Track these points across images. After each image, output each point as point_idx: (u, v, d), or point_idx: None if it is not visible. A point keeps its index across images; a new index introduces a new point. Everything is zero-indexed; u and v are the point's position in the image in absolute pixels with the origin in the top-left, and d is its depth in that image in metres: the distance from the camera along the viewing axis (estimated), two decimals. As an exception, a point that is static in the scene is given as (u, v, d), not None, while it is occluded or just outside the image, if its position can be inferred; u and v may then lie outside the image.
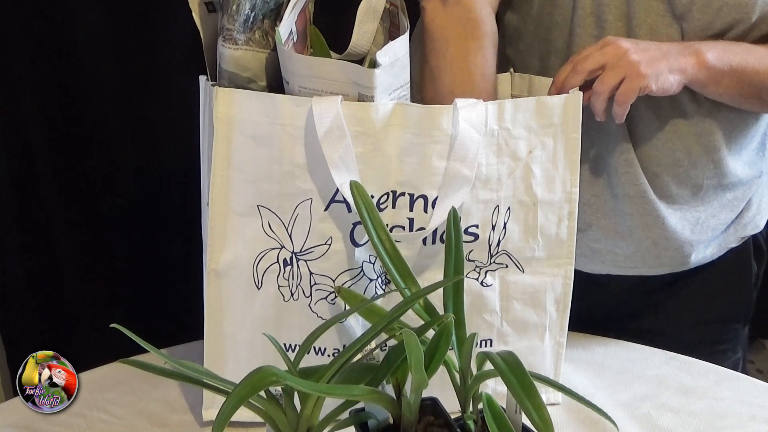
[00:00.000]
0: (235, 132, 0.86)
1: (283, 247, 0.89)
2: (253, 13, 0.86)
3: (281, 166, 0.87)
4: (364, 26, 0.94)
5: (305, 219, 0.88)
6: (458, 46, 0.93)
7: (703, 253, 1.08)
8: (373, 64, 0.85)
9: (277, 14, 0.88)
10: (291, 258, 0.89)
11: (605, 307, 1.14)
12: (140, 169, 1.44)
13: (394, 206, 0.88)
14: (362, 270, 0.89)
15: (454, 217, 0.83)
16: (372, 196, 0.86)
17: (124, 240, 1.47)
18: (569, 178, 0.93)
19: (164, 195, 1.44)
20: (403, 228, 0.88)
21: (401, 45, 0.88)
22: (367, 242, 0.88)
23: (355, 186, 0.84)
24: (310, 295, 0.90)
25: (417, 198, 0.87)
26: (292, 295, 0.90)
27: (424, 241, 0.89)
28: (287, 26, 0.87)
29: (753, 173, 1.06)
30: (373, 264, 0.89)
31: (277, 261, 0.89)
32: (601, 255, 1.07)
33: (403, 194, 0.88)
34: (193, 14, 0.88)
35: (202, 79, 0.94)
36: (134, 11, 1.32)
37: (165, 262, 1.46)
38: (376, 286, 0.90)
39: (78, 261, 1.46)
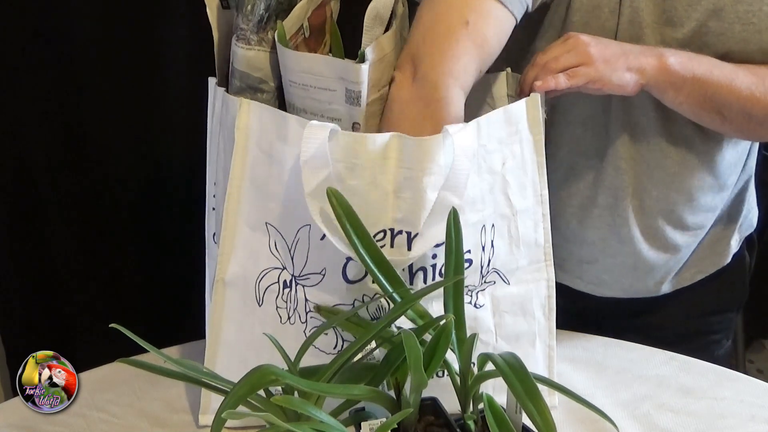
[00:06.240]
0: (252, 145, 0.85)
1: (284, 268, 0.87)
2: (267, 14, 0.86)
3: (288, 188, 0.85)
4: (372, 32, 0.94)
5: (305, 245, 0.86)
6: (414, 126, 0.86)
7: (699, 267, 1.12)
8: (362, 59, 0.85)
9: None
10: (291, 281, 0.87)
11: (604, 306, 1.14)
12: (141, 169, 1.43)
13: (392, 245, 0.85)
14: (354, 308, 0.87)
15: (454, 217, 0.82)
16: None
17: (124, 240, 1.47)
18: (538, 180, 0.92)
19: (165, 195, 1.44)
20: (403, 270, 0.85)
21: (389, 41, 0.88)
22: (359, 280, 0.85)
23: (332, 192, 0.79)
24: (306, 321, 0.88)
25: (414, 236, 0.84)
26: (288, 318, 0.89)
27: (426, 279, 0.87)
28: (294, 22, 0.86)
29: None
30: (367, 307, 0.86)
31: (278, 281, 0.88)
32: (608, 284, 1.11)
33: (400, 232, 0.84)
34: (208, 11, 0.88)
35: (212, 81, 0.93)
36: (136, 12, 1.32)
37: (165, 262, 1.46)
38: None
39: (78, 261, 1.46)
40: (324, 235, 0.82)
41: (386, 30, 0.91)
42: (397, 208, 0.84)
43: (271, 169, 0.85)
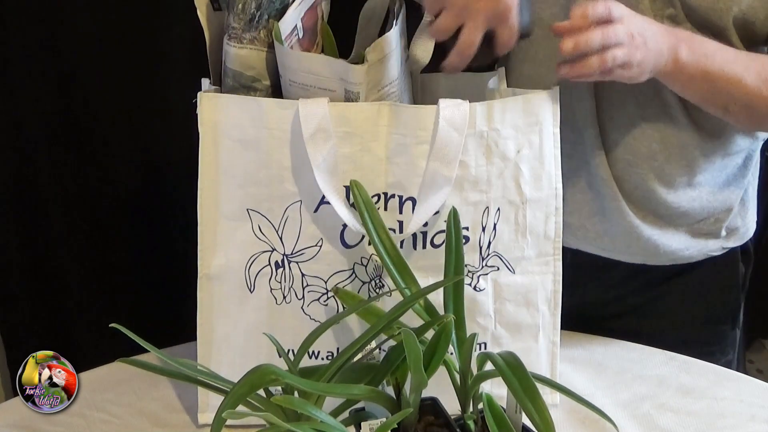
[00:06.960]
0: (221, 136, 0.86)
1: (274, 249, 0.88)
2: (258, 12, 0.86)
3: (269, 170, 0.86)
4: (366, 32, 0.94)
5: (295, 221, 0.87)
6: None
7: (675, 247, 1.09)
8: (361, 60, 0.85)
9: (282, 13, 0.88)
10: (283, 260, 0.89)
11: (593, 307, 1.13)
12: (140, 170, 1.44)
13: (386, 208, 0.87)
14: (354, 272, 0.89)
15: (454, 216, 0.83)
16: None
17: (123, 240, 1.47)
18: (554, 174, 0.93)
19: (164, 195, 1.44)
20: (394, 231, 0.88)
21: (389, 42, 0.88)
22: (357, 244, 0.88)
23: (355, 185, 0.84)
24: (303, 297, 0.90)
25: (406, 200, 0.87)
26: (284, 297, 0.90)
27: (415, 245, 0.89)
28: (289, 22, 0.87)
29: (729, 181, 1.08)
30: (365, 266, 0.89)
31: (269, 264, 0.89)
32: (572, 228, 1.06)
33: (393, 196, 0.87)
34: (198, 12, 0.88)
35: (205, 82, 0.94)
36: (135, 13, 1.32)
37: (165, 262, 1.46)
38: (369, 289, 0.90)
39: (78, 261, 1.46)
40: (318, 207, 0.85)
41: (383, 31, 0.91)
42: (390, 173, 0.86)
43: (248, 156, 0.86)
